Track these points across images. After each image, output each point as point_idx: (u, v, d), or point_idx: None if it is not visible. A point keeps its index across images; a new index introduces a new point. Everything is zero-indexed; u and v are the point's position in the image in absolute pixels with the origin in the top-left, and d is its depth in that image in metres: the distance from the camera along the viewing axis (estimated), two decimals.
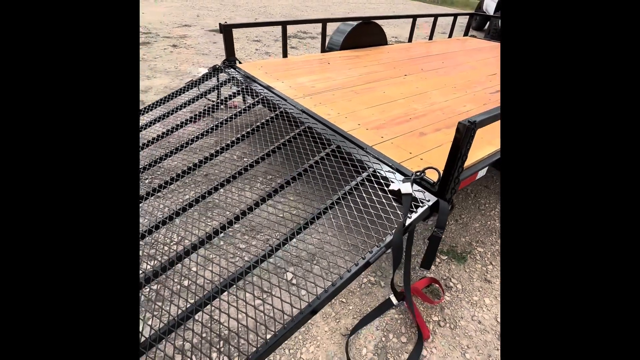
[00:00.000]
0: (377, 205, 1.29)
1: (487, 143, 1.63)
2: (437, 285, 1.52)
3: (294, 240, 1.26)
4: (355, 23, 3.34)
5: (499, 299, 1.50)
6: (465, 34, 4.73)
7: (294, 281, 1.46)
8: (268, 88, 2.21)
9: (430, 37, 4.30)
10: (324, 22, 3.17)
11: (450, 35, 4.55)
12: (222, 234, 1.35)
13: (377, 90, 2.32)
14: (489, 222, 1.95)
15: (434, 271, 1.61)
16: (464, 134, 1.11)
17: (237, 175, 1.60)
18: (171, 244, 1.56)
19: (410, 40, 4.10)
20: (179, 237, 1.59)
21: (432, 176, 1.32)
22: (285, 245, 1.24)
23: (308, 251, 1.60)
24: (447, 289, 1.53)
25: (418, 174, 1.32)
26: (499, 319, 1.41)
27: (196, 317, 1.04)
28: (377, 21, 3.48)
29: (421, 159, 1.51)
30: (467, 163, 1.45)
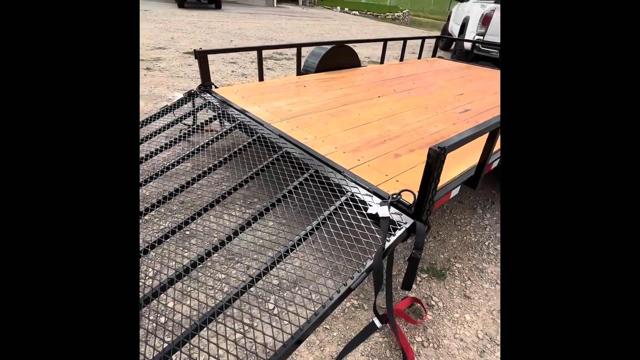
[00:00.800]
0: (357, 230, 1.31)
1: (459, 162, 1.70)
2: (419, 304, 1.54)
3: (275, 267, 1.25)
4: (329, 46, 3.46)
5: (479, 314, 1.54)
6: (433, 55, 5.00)
7: (276, 311, 1.43)
8: (244, 112, 2.22)
9: (401, 59, 4.51)
10: (299, 46, 3.25)
11: (419, 57, 4.79)
12: (200, 265, 1.31)
13: (353, 112, 2.39)
14: (465, 237, 2.01)
15: (416, 290, 1.63)
16: (435, 159, 1.16)
17: (215, 203, 1.57)
18: (146, 278, 1.50)
19: (382, 61, 4.27)
20: (155, 271, 1.52)
21: (408, 198, 1.36)
22: (267, 274, 1.23)
23: (290, 278, 1.58)
24: (429, 308, 1.54)
25: (394, 196, 1.36)
26: (479, 335, 1.44)
27: (173, 357, 1.00)
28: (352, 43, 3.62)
29: (397, 181, 1.55)
30: (441, 184, 1.51)
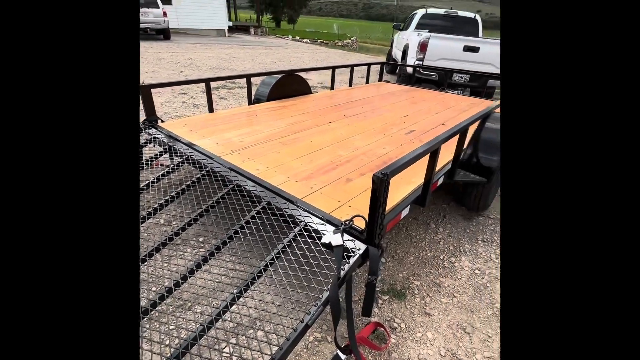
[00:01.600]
0: (312, 261, 1.29)
1: (406, 183, 1.78)
2: (382, 329, 1.53)
3: (229, 311, 1.18)
4: (279, 75, 3.54)
5: (439, 331, 1.56)
6: (380, 79, 5.32)
7: (235, 356, 1.33)
8: (192, 146, 2.16)
9: (350, 84, 4.73)
10: (248, 77, 3.28)
11: (367, 81, 5.07)
12: (147, 316, 1.20)
13: (304, 139, 2.42)
14: (421, 254, 2.07)
15: (378, 314, 1.63)
16: (379, 184, 1.20)
17: (166, 242, 1.48)
18: None
19: (332, 87, 4.45)
20: None
21: (360, 223, 1.38)
22: (219, 319, 1.15)
23: (246, 320, 1.50)
24: (392, 331, 1.54)
25: (347, 223, 1.37)
26: (442, 352, 1.46)
27: None
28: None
29: (349, 206, 1.57)
30: (391, 205, 1.56)
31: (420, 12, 7.07)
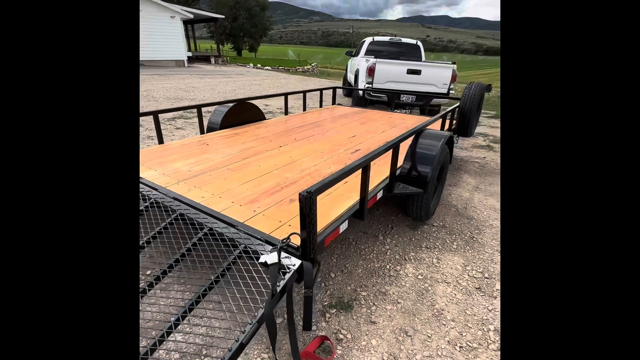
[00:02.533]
0: (249, 281, 1.34)
1: (346, 198, 1.90)
2: (328, 342, 1.59)
3: (179, 336, 1.18)
4: (231, 104, 3.64)
5: (384, 337, 1.65)
6: (333, 102, 5.61)
7: None
8: None
9: (304, 109, 4.94)
10: (199, 107, 3.35)
11: (320, 105, 5.32)
12: None
13: (253, 164, 2.50)
14: (369, 265, 2.18)
15: (326, 328, 1.68)
16: (305, 202, 1.30)
17: None
18: None
19: (286, 113, 4.62)
20: None
21: (297, 241, 1.46)
22: (155, 350, 1.15)
23: (190, 348, 1.49)
24: (338, 342, 1.60)
25: (284, 241, 1.45)
26: (385, 357, 1.53)
27: None
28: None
29: (289, 225, 1.65)
30: (328, 221, 1.66)
31: (368, 40, 7.63)
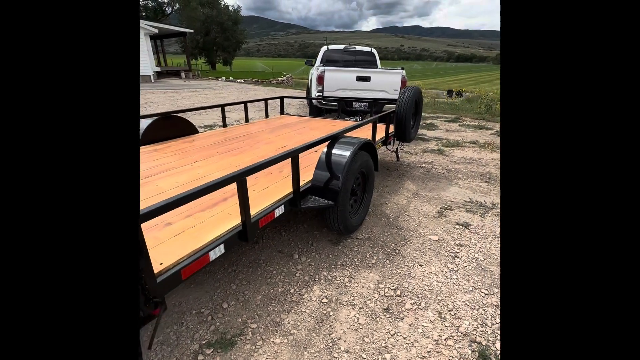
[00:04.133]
0: None
1: (227, 220, 1.70)
2: None
3: None
4: (152, 119, 3.39)
5: None
6: (282, 112, 5.44)
7: None
8: None
9: (246, 120, 4.75)
10: None
11: (266, 116, 5.14)
12: None
13: (150, 184, 2.26)
14: (271, 290, 1.96)
15: None
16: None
17: None
18: None
19: (224, 125, 4.40)
20: None
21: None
22: None
23: None
24: None
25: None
26: None
27: None
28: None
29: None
30: (197, 246, 1.45)
31: (323, 49, 7.57)
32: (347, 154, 2.23)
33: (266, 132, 3.98)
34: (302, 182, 2.25)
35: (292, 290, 1.95)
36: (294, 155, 1.95)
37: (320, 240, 2.51)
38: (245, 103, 4.62)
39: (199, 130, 3.99)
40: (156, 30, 18.74)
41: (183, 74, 23.89)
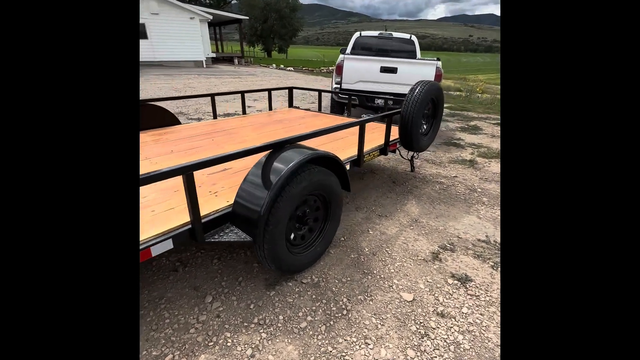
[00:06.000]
0: None
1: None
2: None
3: None
4: None
5: None
6: (289, 105, 4.87)
7: None
8: None
9: (243, 112, 4.29)
10: None
11: (270, 108, 4.62)
12: None
13: None
14: (143, 352, 1.46)
15: None
16: None
17: None
18: None
19: (214, 116, 3.97)
20: None
21: None
22: None
23: None
24: None
25: None
26: None
27: None
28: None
29: None
30: None
31: (355, 35, 6.76)
32: (283, 171, 1.60)
33: (251, 129, 3.46)
34: (220, 205, 1.69)
35: (167, 359, 1.43)
36: (187, 173, 1.40)
37: (253, 279, 1.94)
38: (242, 93, 4.16)
39: (198, 119, 3.62)
40: (210, 17, 19.23)
41: (236, 60, 24.48)
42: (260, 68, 21.39)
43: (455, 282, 1.97)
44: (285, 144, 1.81)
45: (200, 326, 1.59)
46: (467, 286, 1.93)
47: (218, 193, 1.85)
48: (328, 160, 1.93)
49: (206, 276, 1.94)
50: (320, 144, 2.85)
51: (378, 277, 1.99)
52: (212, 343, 1.50)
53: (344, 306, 1.75)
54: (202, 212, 1.61)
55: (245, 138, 3.08)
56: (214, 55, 22.74)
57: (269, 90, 4.50)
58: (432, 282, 1.96)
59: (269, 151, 1.76)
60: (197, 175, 2.10)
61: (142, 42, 16.74)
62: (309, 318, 1.66)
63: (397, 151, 3.18)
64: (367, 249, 2.27)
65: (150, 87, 9.99)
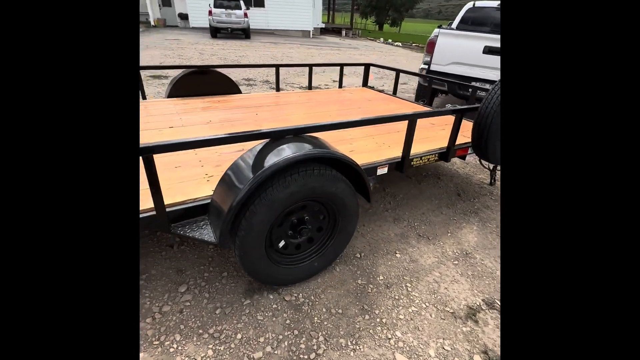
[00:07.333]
0: None
1: None
2: None
3: None
4: (188, 70, 3.17)
5: None
6: (364, 84, 4.36)
7: None
8: None
9: (309, 87, 4.00)
10: (157, 68, 3.01)
11: (340, 86, 4.21)
12: None
13: None
14: None
15: None
16: None
17: None
18: None
19: (277, 89, 3.81)
20: None
21: None
22: None
23: None
24: None
25: None
26: None
27: None
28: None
29: None
30: None
31: (467, 6, 5.57)
32: (261, 170, 1.29)
33: (305, 106, 3.19)
34: (203, 193, 1.50)
35: None
36: (146, 158, 1.22)
37: (238, 277, 1.74)
38: (310, 66, 3.86)
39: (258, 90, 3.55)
40: None
41: (344, 32, 24.03)
42: (366, 42, 20.50)
43: (481, 354, 1.39)
44: (285, 135, 1.46)
45: (159, 318, 1.48)
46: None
47: (212, 178, 1.66)
48: (336, 163, 1.52)
49: (196, 261, 1.84)
50: (361, 137, 2.39)
51: (378, 320, 1.55)
52: (157, 342, 1.37)
53: (315, 347, 1.41)
54: (181, 198, 1.46)
55: (289, 117, 2.82)
56: (323, 25, 22.75)
57: (341, 65, 4.07)
58: (449, 351, 1.43)
59: (266, 140, 1.46)
60: (206, 152, 1.96)
61: (258, 10, 17.78)
62: (267, 349, 1.38)
63: (466, 158, 2.46)
64: (381, 277, 1.81)
65: (252, 54, 10.55)
